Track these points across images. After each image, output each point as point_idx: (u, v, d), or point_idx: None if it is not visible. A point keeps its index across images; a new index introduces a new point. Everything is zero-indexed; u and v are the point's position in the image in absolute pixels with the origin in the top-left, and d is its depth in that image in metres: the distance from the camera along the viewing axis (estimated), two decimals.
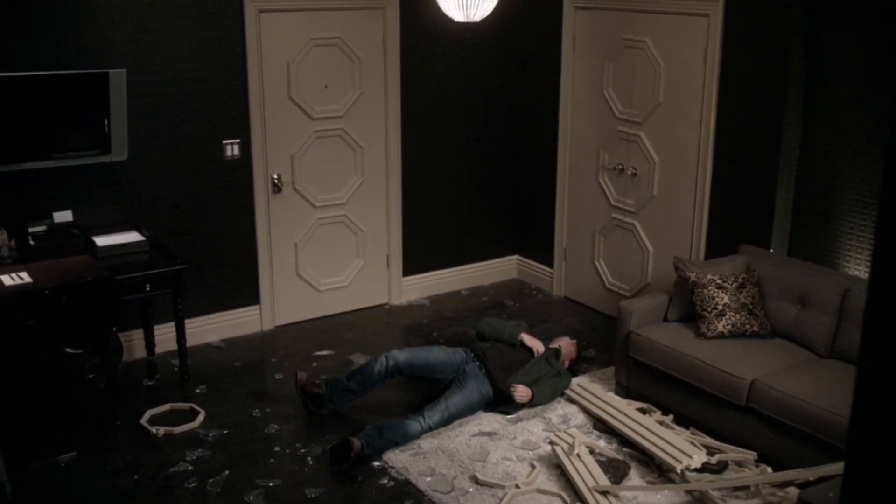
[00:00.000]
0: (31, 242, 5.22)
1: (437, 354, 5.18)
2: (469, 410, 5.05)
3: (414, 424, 4.81)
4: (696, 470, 4.38)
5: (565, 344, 5.57)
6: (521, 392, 5.11)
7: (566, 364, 5.51)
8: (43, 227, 5.33)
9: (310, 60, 6.08)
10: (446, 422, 4.94)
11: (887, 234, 1.31)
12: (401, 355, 5.10)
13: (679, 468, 4.31)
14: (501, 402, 5.14)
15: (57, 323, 4.72)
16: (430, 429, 4.87)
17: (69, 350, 4.80)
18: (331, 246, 6.54)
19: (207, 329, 6.10)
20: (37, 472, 4.53)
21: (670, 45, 5.79)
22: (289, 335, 6.33)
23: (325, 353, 6.03)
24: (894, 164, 1.27)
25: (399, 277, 6.94)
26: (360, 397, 5.12)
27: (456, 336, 6.21)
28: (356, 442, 4.56)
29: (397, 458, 4.66)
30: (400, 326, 6.53)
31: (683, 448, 4.42)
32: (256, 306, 6.32)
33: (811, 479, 3.90)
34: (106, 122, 5.29)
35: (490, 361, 5.17)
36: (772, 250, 5.36)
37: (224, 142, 5.89)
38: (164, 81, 5.59)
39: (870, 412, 1.41)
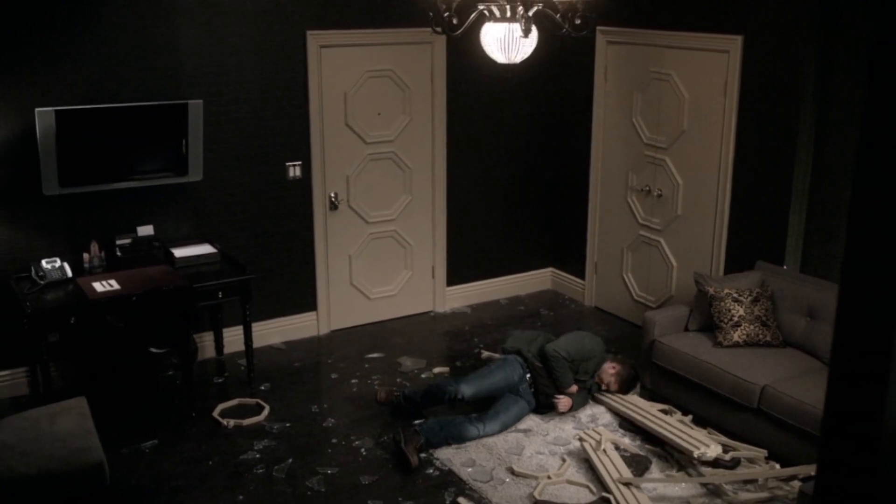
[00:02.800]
0: (118, 253, 5.55)
1: (498, 381, 5.26)
2: (518, 421, 5.26)
3: (472, 429, 5.02)
4: (710, 464, 4.59)
5: (614, 380, 5.44)
6: (565, 403, 5.29)
7: (611, 388, 5.45)
8: (128, 240, 5.63)
9: (365, 90, 6.38)
10: (500, 432, 5.13)
11: (856, 244, 1.31)
12: (468, 390, 5.19)
13: (696, 454, 4.52)
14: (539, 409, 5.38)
15: (143, 325, 5.08)
16: (485, 436, 5.06)
17: (153, 350, 5.16)
18: (381, 258, 6.80)
19: (270, 332, 6.40)
20: (125, 456, 4.87)
21: (693, 77, 5.98)
22: (343, 339, 6.60)
23: (375, 355, 6.30)
24: (862, 175, 1.29)
25: (443, 287, 7.17)
26: (429, 411, 5.36)
27: (494, 342, 6.42)
28: (413, 458, 4.76)
29: (442, 451, 4.93)
30: (443, 332, 6.78)
31: (700, 440, 4.65)
32: (314, 312, 6.61)
33: (812, 474, 4.13)
34: (184, 146, 5.59)
35: (541, 384, 5.32)
36: (785, 267, 5.50)
37: (287, 164, 6.19)
38: (236, 110, 5.90)
39: (840, 412, 1.42)
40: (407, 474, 4.74)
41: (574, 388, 5.34)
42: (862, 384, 1.34)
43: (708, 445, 4.58)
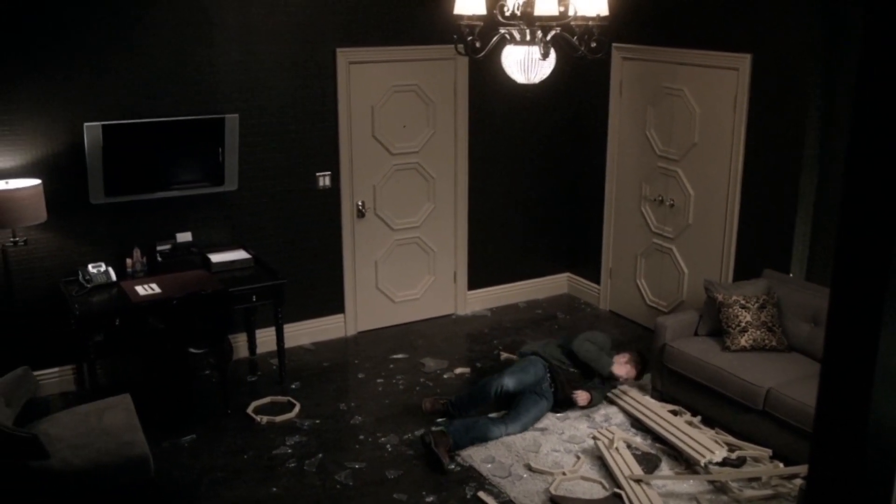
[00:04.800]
0: (159, 259, 5.73)
1: (531, 376, 5.41)
2: (537, 421, 5.38)
3: (495, 430, 5.15)
4: (717, 463, 4.71)
5: (629, 367, 5.57)
6: (583, 397, 5.44)
7: (630, 375, 5.59)
8: (168, 246, 5.80)
9: (391, 104, 6.53)
10: (521, 432, 5.25)
11: (845, 254, 1.47)
12: (511, 382, 5.34)
13: (703, 462, 4.65)
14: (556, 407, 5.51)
15: (182, 327, 5.27)
16: (508, 435, 5.19)
17: (192, 350, 5.34)
18: (406, 263, 6.95)
19: (300, 333, 6.56)
20: (166, 449, 5.05)
21: (704, 93, 6.09)
22: (369, 340, 6.75)
23: (399, 356, 6.45)
24: (850, 190, 1.41)
25: (464, 291, 7.30)
26: (477, 410, 5.44)
27: (513, 343, 6.56)
28: (445, 459, 4.86)
29: (463, 449, 5.06)
30: (464, 334, 6.91)
31: (707, 444, 4.77)
32: (342, 315, 6.76)
33: None
34: (220, 158, 5.78)
35: (559, 383, 5.44)
36: (791, 275, 5.59)
37: (317, 174, 6.35)
38: (269, 123, 6.07)
39: (830, 413, 1.52)
40: (436, 472, 4.85)
41: (587, 396, 5.48)
42: (849, 386, 1.47)
43: (713, 452, 4.69)
